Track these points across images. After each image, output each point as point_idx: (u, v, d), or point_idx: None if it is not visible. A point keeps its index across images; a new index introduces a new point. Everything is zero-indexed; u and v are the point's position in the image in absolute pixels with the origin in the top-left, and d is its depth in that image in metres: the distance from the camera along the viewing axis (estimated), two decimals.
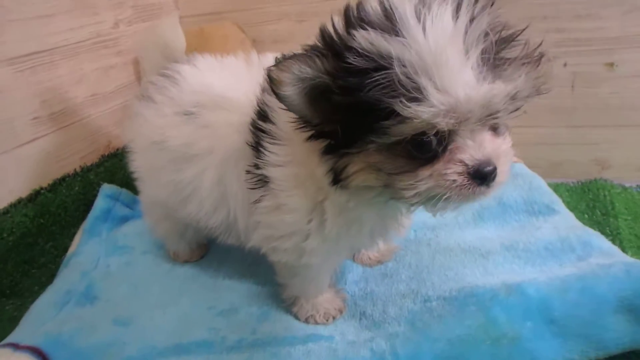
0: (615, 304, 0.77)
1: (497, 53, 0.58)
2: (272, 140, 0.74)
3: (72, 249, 1.14)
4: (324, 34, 0.61)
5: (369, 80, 0.56)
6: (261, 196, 0.77)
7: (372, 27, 0.58)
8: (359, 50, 0.57)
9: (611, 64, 1.24)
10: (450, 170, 0.60)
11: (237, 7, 1.54)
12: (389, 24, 0.58)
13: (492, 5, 0.61)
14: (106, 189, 1.25)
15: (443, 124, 0.56)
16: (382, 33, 0.57)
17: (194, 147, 0.85)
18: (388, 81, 0.56)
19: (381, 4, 0.59)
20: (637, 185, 1.25)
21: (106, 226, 1.20)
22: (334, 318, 0.90)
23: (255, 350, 0.83)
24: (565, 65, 1.28)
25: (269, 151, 0.74)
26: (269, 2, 1.52)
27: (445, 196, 0.61)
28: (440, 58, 0.55)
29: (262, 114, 0.75)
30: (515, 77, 0.58)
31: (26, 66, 1.13)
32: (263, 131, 0.74)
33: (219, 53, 1.36)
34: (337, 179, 0.65)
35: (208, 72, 0.91)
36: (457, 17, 0.57)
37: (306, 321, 0.90)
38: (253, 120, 0.77)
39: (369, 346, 0.81)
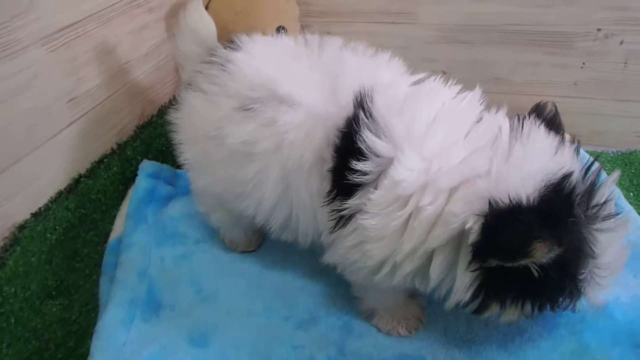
0: None
1: None
2: (369, 188, 0.65)
3: (114, 234, 1.01)
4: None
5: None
6: (341, 231, 0.69)
7: None
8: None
9: None
10: None
11: None
12: None
13: None
14: (147, 166, 1.09)
15: None
16: None
17: (257, 146, 0.73)
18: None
19: None
20: None
21: (151, 209, 1.05)
22: (415, 329, 0.84)
23: None
24: (621, 42, 1.19)
25: (365, 198, 0.65)
26: None
27: None
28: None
29: (359, 153, 0.64)
30: None
31: (60, 43, 0.92)
32: (357, 172, 0.64)
33: (269, 14, 1.15)
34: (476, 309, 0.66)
35: (264, 61, 0.76)
36: None
37: (388, 333, 0.84)
38: (341, 148, 0.66)
39: None
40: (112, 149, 1.08)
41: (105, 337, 0.81)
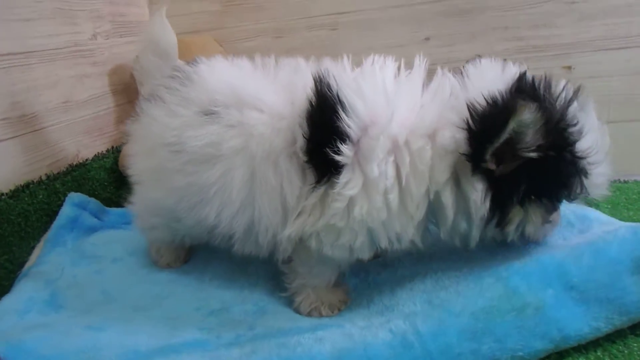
0: (629, 265, 0.68)
1: None
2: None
3: (29, 263, 0.93)
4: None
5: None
6: (329, 188, 0.66)
7: None
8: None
9: (569, 67, 1.23)
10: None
11: (214, 25, 1.46)
12: None
13: None
14: (74, 196, 1.06)
15: None
16: None
17: (221, 147, 0.71)
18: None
19: None
20: None
21: (72, 236, 1.00)
22: (338, 310, 0.77)
23: (258, 343, 0.67)
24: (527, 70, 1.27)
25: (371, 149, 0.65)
26: (246, 19, 1.44)
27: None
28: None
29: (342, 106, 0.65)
30: None
31: (0, 66, 0.97)
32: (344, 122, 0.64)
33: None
34: (499, 220, 0.66)
35: (226, 71, 0.78)
36: None
37: (309, 314, 0.76)
38: (316, 114, 0.67)
39: (387, 327, 0.67)
40: (40, 178, 1.05)
41: None
